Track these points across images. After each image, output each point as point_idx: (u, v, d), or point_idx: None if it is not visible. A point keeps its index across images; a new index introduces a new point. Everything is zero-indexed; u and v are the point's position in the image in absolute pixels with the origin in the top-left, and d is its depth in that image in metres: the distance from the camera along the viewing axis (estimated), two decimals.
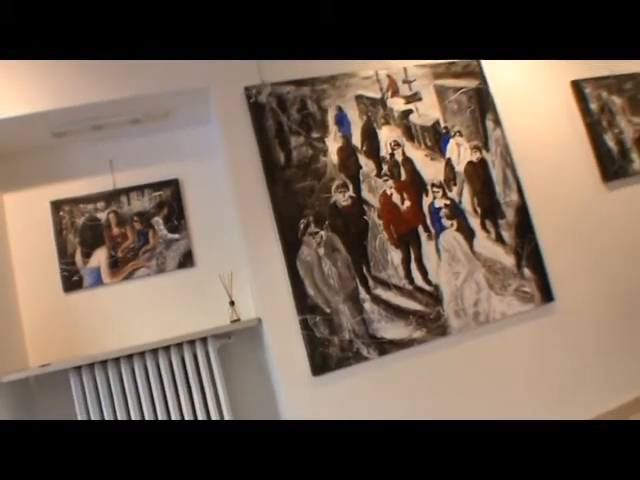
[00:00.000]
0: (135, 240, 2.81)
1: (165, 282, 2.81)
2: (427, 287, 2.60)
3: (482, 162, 2.85)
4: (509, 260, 2.77)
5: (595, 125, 3.16)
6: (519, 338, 2.74)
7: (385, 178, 2.67)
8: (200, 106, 2.74)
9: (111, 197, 2.83)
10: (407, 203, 2.67)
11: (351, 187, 2.60)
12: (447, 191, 2.75)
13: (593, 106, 3.18)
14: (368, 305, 2.51)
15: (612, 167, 3.14)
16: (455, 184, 2.77)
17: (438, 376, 2.57)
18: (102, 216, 2.81)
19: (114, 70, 2.46)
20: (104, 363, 2.50)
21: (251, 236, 2.49)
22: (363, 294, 2.51)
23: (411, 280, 2.58)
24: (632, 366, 2.93)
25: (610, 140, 3.16)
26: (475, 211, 2.77)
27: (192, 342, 2.61)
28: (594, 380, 2.83)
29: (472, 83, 2.92)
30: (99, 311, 2.72)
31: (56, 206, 2.78)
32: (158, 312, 2.76)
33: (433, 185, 2.74)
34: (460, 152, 2.81)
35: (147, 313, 2.75)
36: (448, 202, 2.74)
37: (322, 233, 2.51)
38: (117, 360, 2.51)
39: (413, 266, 2.60)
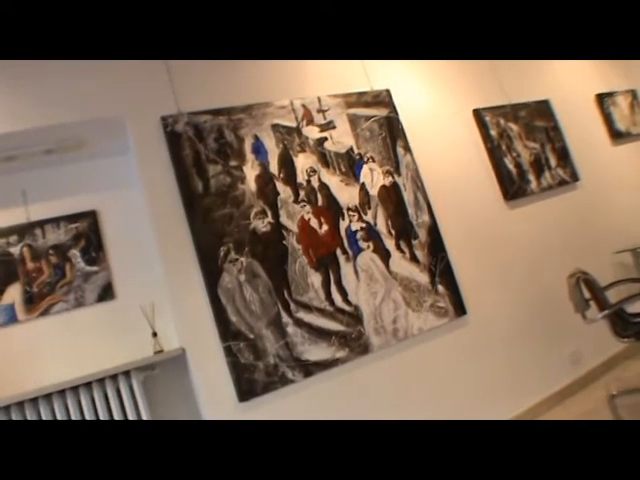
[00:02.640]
0: (51, 274, 2.73)
1: (85, 316, 2.73)
2: (347, 308, 2.70)
3: (394, 186, 3.01)
4: (424, 278, 2.93)
5: (495, 149, 3.43)
6: (436, 351, 2.89)
7: (302, 204, 2.77)
8: (116, 136, 2.72)
9: (25, 230, 2.74)
10: (325, 227, 2.77)
11: (270, 213, 2.68)
12: (362, 214, 2.88)
13: (493, 132, 3.46)
14: (291, 329, 2.57)
15: (512, 187, 3.42)
16: (370, 207, 2.91)
17: (362, 393, 2.66)
18: (15, 250, 2.71)
19: (23, 99, 2.42)
20: (21, 404, 2.40)
21: (171, 266, 2.49)
22: (286, 318, 2.57)
23: (332, 302, 2.68)
24: (537, 372, 3.16)
25: (509, 163, 3.44)
26: (390, 232, 2.92)
27: (115, 376, 2.55)
28: (505, 386, 3.03)
29: (382, 112, 3.10)
30: (15, 349, 2.60)
31: None
32: (78, 347, 2.68)
33: (349, 209, 2.86)
34: (373, 177, 2.96)
35: (66, 349, 2.66)
36: (364, 225, 2.87)
37: (242, 260, 2.56)
38: (35, 400, 2.41)
39: (333, 288, 2.70)
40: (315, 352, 2.58)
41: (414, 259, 2.93)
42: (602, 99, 4.16)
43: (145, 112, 2.62)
